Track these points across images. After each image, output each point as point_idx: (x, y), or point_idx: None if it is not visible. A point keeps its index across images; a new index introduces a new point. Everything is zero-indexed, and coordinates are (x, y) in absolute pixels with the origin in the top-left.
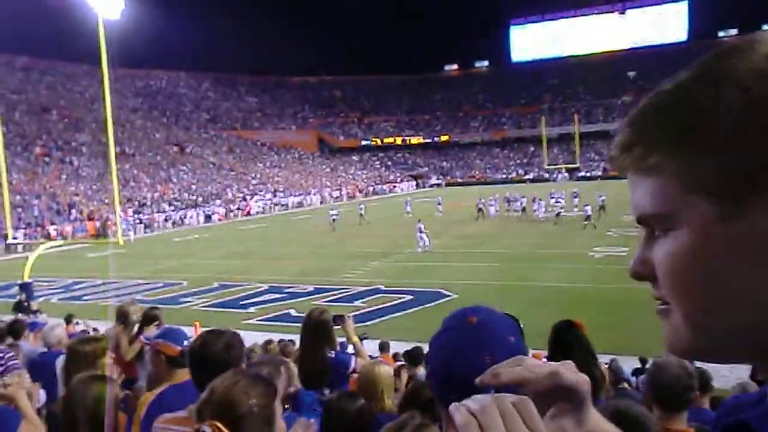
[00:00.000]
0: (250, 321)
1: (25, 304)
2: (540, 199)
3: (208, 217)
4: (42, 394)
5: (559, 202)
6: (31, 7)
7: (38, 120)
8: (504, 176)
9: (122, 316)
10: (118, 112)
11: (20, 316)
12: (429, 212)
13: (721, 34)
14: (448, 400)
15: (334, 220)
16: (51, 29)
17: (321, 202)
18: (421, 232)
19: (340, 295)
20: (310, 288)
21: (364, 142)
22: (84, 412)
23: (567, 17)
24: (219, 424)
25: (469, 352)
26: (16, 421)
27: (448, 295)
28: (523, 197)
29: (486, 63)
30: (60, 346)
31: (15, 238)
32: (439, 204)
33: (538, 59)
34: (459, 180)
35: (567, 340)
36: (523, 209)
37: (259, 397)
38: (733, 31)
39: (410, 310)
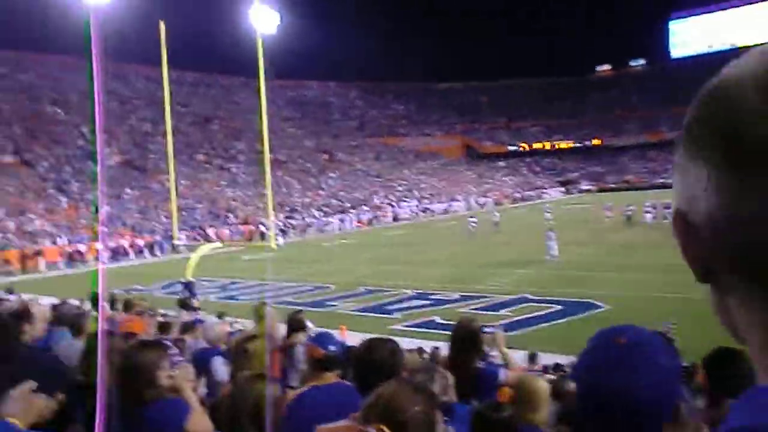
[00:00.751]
0: (395, 327)
1: (189, 301)
2: None
3: (354, 223)
4: (203, 388)
5: None
6: (197, 26)
7: (202, 130)
8: (662, 181)
9: (296, 323)
10: (271, 122)
11: (184, 312)
12: (578, 218)
13: None
14: (596, 424)
15: (473, 226)
16: (215, 46)
17: (467, 209)
18: (551, 240)
19: (484, 304)
20: (455, 295)
21: (510, 148)
22: (247, 409)
23: (738, 5)
24: (385, 428)
25: (618, 375)
26: (186, 412)
27: (600, 306)
28: None
29: (642, 61)
30: (219, 343)
31: (180, 240)
32: (600, 209)
33: (702, 53)
34: (612, 185)
35: (725, 374)
36: None
37: (422, 405)
38: None
39: (559, 321)
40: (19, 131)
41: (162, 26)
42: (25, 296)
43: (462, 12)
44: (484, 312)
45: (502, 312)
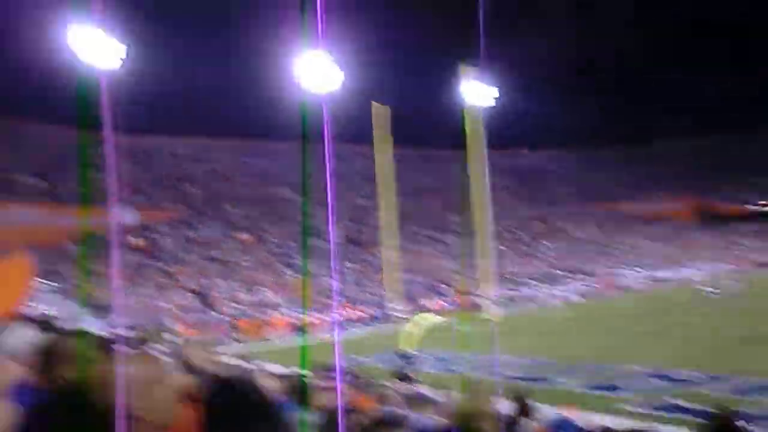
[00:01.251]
0: (627, 407)
1: (407, 373)
2: None
3: (579, 293)
4: None
5: None
6: (412, 105)
7: (417, 202)
8: None
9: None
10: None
11: (401, 384)
12: None
13: None
14: None
15: (712, 295)
16: (439, 124)
17: (703, 276)
18: None
19: (738, 386)
20: (701, 375)
21: (753, 207)
22: None
23: None
24: None
25: None
26: None
27: None
28: None
29: None
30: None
31: (396, 311)
32: None
33: None
34: None
35: None
36: None
37: None
38: None
39: None
40: (255, 212)
41: (375, 107)
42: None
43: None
44: (740, 396)
45: (765, 398)
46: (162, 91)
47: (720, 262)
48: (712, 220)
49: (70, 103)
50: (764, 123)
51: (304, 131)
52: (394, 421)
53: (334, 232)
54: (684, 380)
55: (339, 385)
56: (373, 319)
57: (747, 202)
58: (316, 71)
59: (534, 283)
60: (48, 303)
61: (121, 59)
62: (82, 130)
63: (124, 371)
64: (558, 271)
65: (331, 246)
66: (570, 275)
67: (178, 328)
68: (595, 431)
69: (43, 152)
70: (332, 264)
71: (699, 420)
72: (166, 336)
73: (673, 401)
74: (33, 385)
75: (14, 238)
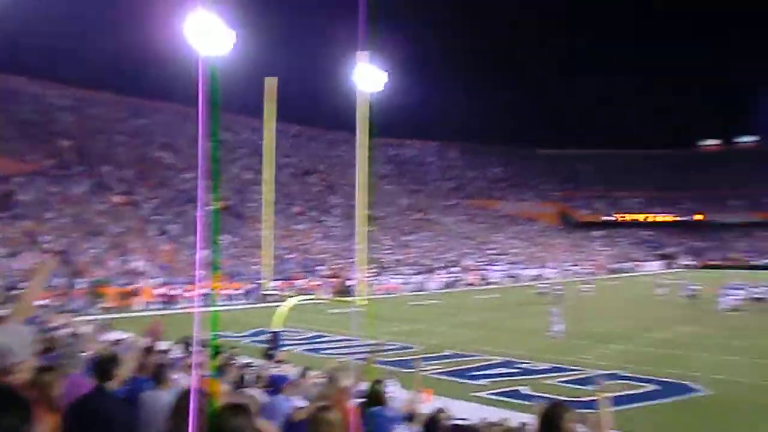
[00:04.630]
0: (480, 394)
1: (271, 352)
2: None
3: (444, 284)
4: None
5: None
6: (302, 83)
7: (300, 182)
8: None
9: (375, 396)
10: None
11: (267, 363)
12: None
13: None
14: None
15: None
16: (319, 101)
17: (560, 277)
18: (555, 315)
19: (574, 377)
20: (545, 366)
21: (607, 218)
22: None
23: None
24: None
25: None
26: None
27: (699, 390)
28: None
29: (754, 138)
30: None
31: (271, 289)
32: (691, 287)
33: None
34: (714, 262)
35: None
36: None
37: None
38: None
39: (655, 402)
40: (131, 173)
41: (268, 82)
42: (122, 335)
43: (565, 82)
44: (573, 385)
45: (592, 387)
46: (39, 30)
47: (574, 264)
48: (573, 225)
49: None
50: (634, 143)
51: (187, 94)
52: (246, 404)
53: (202, 200)
54: (532, 370)
55: (195, 363)
56: (248, 294)
57: (601, 212)
58: (207, 32)
59: (407, 270)
60: None
61: None
62: None
63: None
64: (430, 262)
65: (198, 215)
66: (441, 266)
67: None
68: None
69: None
70: (198, 234)
71: (540, 405)
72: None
73: (518, 389)
74: None
75: None
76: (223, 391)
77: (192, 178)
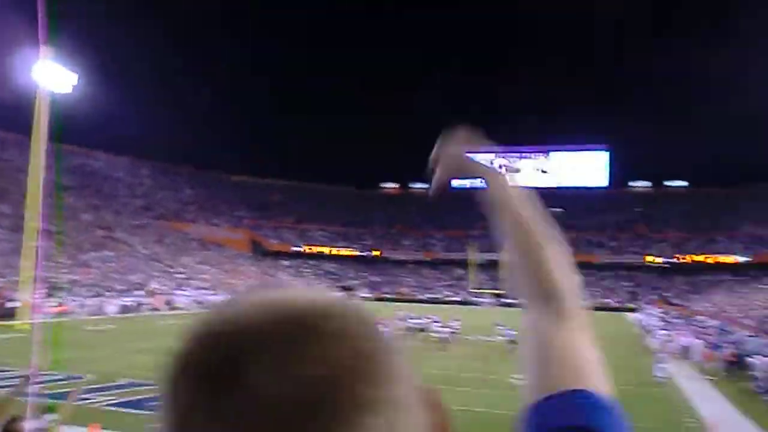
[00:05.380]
0: (153, 424)
1: None
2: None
3: (126, 308)
4: None
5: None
6: None
7: None
8: (431, 296)
9: None
10: (47, 187)
11: None
12: None
13: None
14: None
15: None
16: (7, 104)
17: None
18: None
19: None
20: None
21: (296, 248)
22: None
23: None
24: None
25: None
26: None
27: None
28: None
29: (425, 185)
30: None
31: None
32: None
33: (476, 187)
34: (387, 295)
35: None
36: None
37: None
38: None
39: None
40: None
41: None
42: None
43: (270, 109)
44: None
45: None
46: None
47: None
48: (263, 254)
49: None
50: (326, 178)
51: None
52: None
53: None
54: None
55: None
56: None
57: (290, 242)
58: None
59: (86, 292)
60: None
61: None
62: None
63: None
64: (112, 284)
65: None
66: (125, 289)
67: None
68: None
69: None
70: None
71: None
72: None
73: None
74: None
75: None
76: None
77: None
